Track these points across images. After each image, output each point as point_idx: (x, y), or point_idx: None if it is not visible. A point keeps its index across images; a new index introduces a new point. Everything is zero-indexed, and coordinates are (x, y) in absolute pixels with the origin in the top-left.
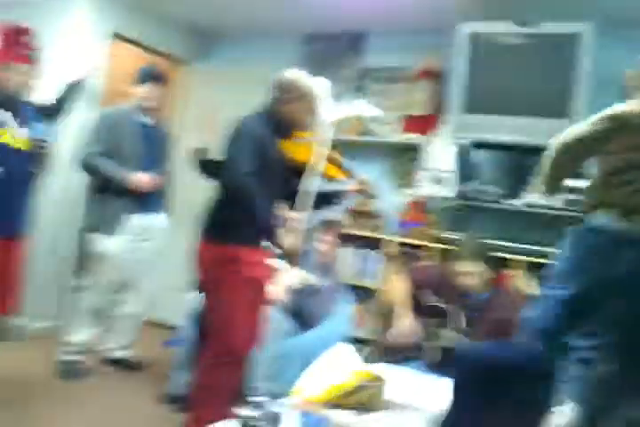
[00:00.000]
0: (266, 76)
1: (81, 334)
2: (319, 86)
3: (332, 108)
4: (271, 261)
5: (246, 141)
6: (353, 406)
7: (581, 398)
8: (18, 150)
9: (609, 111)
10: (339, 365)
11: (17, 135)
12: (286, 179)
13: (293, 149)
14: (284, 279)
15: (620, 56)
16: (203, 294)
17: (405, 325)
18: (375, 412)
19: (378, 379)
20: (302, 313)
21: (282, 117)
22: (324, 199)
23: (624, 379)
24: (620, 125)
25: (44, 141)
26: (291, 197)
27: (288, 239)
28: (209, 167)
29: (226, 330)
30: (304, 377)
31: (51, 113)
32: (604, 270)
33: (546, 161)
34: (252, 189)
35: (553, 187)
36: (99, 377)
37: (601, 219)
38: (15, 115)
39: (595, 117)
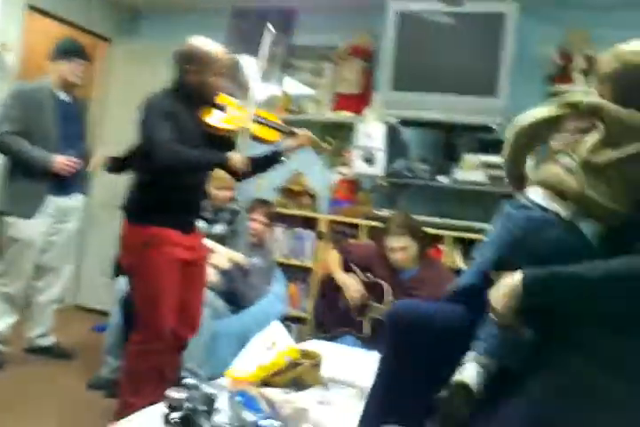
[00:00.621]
0: None
1: (1, 322)
2: (221, 50)
3: (261, 85)
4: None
5: (155, 118)
6: (285, 383)
7: (497, 356)
8: None
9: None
10: (270, 344)
11: None
12: (214, 150)
13: (215, 118)
14: (214, 260)
15: (544, 35)
16: (128, 278)
17: (353, 283)
18: (308, 389)
19: (312, 356)
20: (234, 294)
21: (193, 88)
22: (268, 162)
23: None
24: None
25: None
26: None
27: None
28: (117, 164)
29: (151, 314)
30: (238, 358)
31: None
32: (525, 245)
33: (505, 150)
34: (182, 151)
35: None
36: (24, 366)
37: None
38: None
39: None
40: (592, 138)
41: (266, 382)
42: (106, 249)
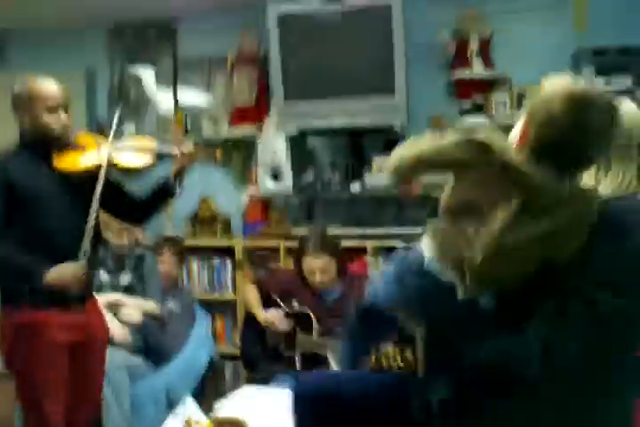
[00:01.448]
0: (74, 77)
1: None
2: (51, 84)
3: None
4: (106, 297)
5: None
6: None
7: None
8: None
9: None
10: (184, 424)
11: None
12: (83, 198)
13: (70, 162)
14: (124, 315)
15: (435, 21)
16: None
17: (274, 315)
18: None
19: (235, 424)
20: (154, 348)
21: (31, 133)
22: (159, 198)
23: None
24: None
25: None
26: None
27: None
28: None
29: (33, 409)
30: None
31: None
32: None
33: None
34: None
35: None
36: None
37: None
38: None
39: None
40: (502, 210)
41: None
42: None
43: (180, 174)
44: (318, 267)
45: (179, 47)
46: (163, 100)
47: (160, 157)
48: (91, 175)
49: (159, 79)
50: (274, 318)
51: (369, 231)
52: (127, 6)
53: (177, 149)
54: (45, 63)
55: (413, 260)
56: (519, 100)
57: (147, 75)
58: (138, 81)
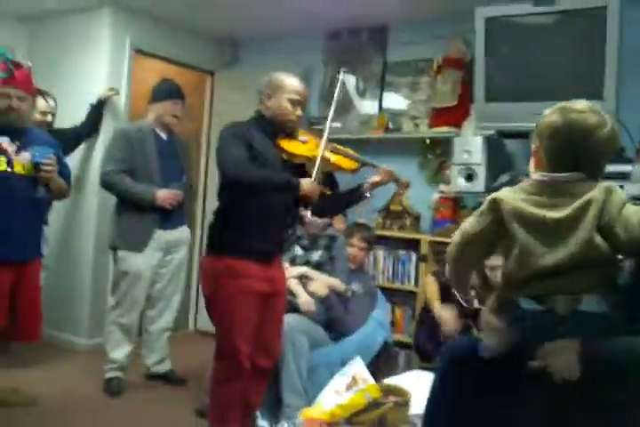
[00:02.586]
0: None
1: (119, 351)
2: (296, 80)
3: (358, 103)
4: (298, 269)
5: (230, 141)
6: (368, 423)
7: None
8: (18, 176)
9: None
10: (350, 382)
11: (17, 160)
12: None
13: (293, 147)
14: (312, 287)
15: None
16: (207, 308)
17: (447, 314)
18: None
19: (399, 393)
20: (334, 322)
21: (268, 114)
22: (351, 198)
23: None
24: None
25: (48, 165)
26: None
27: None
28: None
29: (227, 344)
30: (319, 395)
31: (72, 137)
32: None
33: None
34: (249, 168)
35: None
36: (141, 392)
37: None
38: (13, 139)
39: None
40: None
41: (348, 422)
42: None
43: (375, 187)
44: (496, 265)
45: (388, 51)
46: (367, 101)
47: (365, 165)
48: (304, 162)
49: (367, 81)
50: (447, 316)
51: None
52: (343, 12)
53: (382, 167)
54: (269, 63)
55: None
56: None
57: (351, 79)
58: (345, 83)
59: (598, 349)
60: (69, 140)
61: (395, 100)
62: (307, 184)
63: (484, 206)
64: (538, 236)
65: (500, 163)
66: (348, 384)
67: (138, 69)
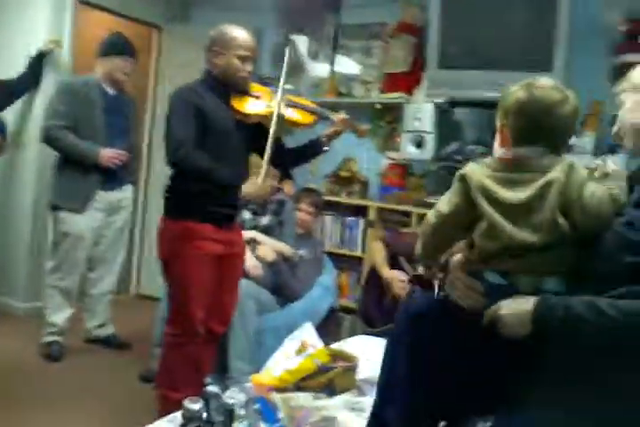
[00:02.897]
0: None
1: (58, 315)
2: (246, 35)
3: (310, 66)
4: (246, 233)
5: (179, 113)
6: (316, 388)
7: None
8: None
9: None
10: (299, 347)
11: None
12: (249, 137)
13: (246, 107)
14: (260, 252)
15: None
16: (162, 271)
17: (398, 279)
18: (341, 394)
19: (347, 358)
20: (282, 287)
21: (218, 72)
22: (308, 153)
23: None
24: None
25: None
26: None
27: (248, 186)
28: None
29: (181, 307)
30: (270, 360)
31: (9, 90)
32: None
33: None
34: (191, 159)
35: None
36: (82, 357)
37: None
38: None
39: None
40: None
41: (297, 387)
42: None
43: (333, 138)
44: None
45: (342, 13)
46: (320, 64)
47: (321, 118)
48: (259, 121)
49: (320, 44)
50: (395, 276)
51: None
52: None
53: (337, 116)
54: (221, 20)
55: None
56: None
57: (303, 40)
58: (297, 45)
59: (554, 307)
60: (5, 93)
61: (347, 64)
62: (249, 188)
63: (454, 184)
64: (504, 213)
65: (449, 131)
66: (297, 349)
67: (81, 21)
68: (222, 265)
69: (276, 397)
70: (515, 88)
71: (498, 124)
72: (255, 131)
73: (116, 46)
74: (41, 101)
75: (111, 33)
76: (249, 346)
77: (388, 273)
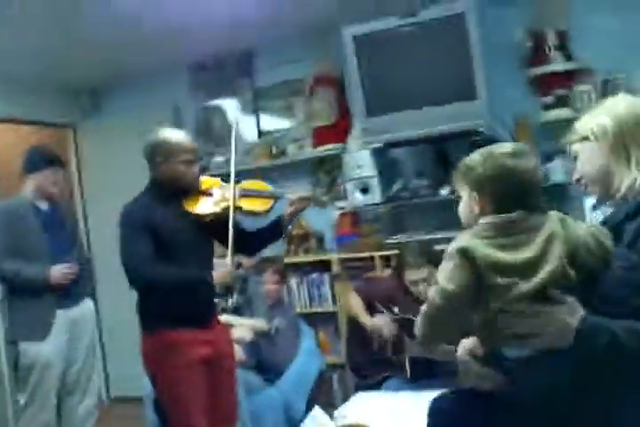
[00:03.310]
0: (160, 116)
1: None
2: (184, 137)
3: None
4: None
5: (132, 233)
6: None
7: None
8: None
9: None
10: None
11: None
12: (207, 233)
13: (201, 206)
14: (236, 334)
15: (512, 18)
16: (152, 386)
17: (379, 320)
18: None
19: None
20: (265, 363)
21: (166, 181)
22: (271, 235)
23: None
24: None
25: None
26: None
27: (217, 274)
28: None
29: (181, 420)
30: None
31: None
32: None
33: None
34: (157, 274)
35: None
36: None
37: None
38: None
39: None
40: None
41: None
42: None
43: (294, 216)
44: (421, 278)
45: (257, 76)
46: (246, 128)
47: (277, 200)
48: (217, 218)
49: (241, 109)
50: (381, 323)
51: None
52: (204, 43)
53: (292, 195)
54: (135, 106)
55: None
56: (604, 88)
57: (228, 105)
58: (221, 113)
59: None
60: None
61: (273, 124)
62: (219, 276)
63: (455, 259)
64: (513, 276)
65: (389, 171)
66: None
67: None
68: (214, 368)
69: None
70: (479, 159)
71: (464, 192)
72: (213, 224)
73: (43, 159)
74: None
75: (31, 147)
76: None
77: (372, 322)
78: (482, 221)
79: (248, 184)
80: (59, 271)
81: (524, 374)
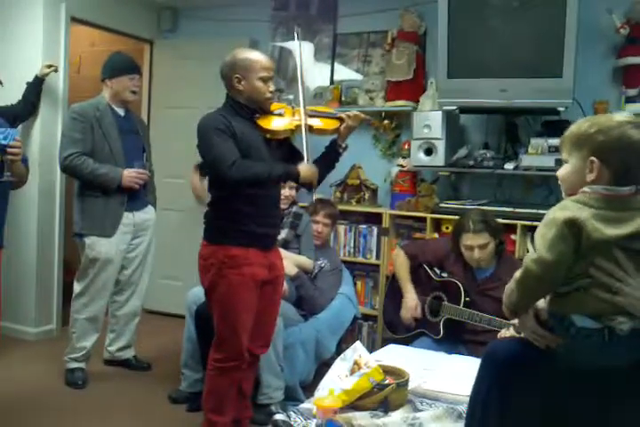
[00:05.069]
0: (241, 44)
1: (84, 341)
2: (262, 55)
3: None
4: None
5: (213, 137)
6: (372, 406)
7: None
8: None
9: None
10: (353, 365)
11: None
12: (280, 154)
13: (273, 124)
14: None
15: (610, 5)
16: (206, 297)
17: (411, 300)
18: (395, 410)
19: (397, 374)
20: (305, 300)
21: (242, 97)
22: (331, 157)
23: None
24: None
25: (15, 147)
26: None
27: (303, 169)
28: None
29: (229, 334)
30: (322, 381)
31: (9, 117)
32: None
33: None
34: (249, 167)
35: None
36: (105, 381)
37: None
38: None
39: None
40: None
41: (353, 406)
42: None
43: (348, 134)
44: (478, 244)
45: (338, 23)
46: (319, 73)
47: (340, 120)
48: (289, 135)
49: (318, 53)
50: (411, 304)
51: (519, 210)
52: None
53: (347, 113)
54: (212, 33)
55: None
56: None
57: (304, 48)
58: (295, 53)
59: None
60: (7, 120)
61: (346, 73)
62: (304, 170)
63: (559, 229)
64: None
65: (456, 137)
66: (350, 369)
67: (73, 41)
68: (265, 289)
69: (342, 418)
70: (607, 124)
71: (575, 158)
72: (283, 148)
73: (122, 66)
74: (39, 127)
75: (112, 53)
76: (278, 361)
77: (405, 288)
78: (589, 189)
79: (313, 107)
80: (131, 174)
81: (587, 344)
